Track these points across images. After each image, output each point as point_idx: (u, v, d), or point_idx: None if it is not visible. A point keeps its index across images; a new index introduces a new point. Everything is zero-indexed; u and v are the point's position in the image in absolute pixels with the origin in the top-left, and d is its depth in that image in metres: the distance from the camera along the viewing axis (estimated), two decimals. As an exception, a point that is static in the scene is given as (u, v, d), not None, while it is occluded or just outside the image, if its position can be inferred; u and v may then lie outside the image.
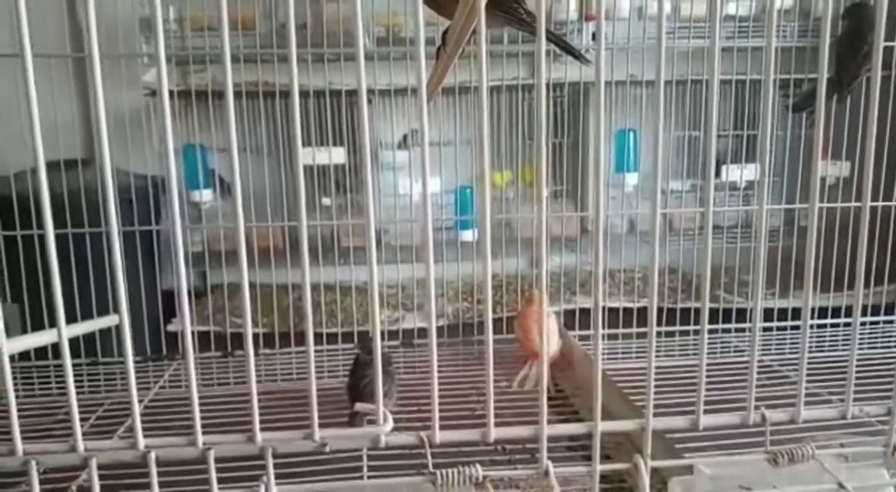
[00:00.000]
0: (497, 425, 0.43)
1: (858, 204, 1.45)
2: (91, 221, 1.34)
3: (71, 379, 0.38)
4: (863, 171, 0.44)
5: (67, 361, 0.38)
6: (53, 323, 1.28)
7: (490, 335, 0.42)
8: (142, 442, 0.41)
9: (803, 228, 1.51)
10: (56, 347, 1.29)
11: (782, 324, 1.47)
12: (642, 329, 1.49)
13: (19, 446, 0.39)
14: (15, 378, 1.28)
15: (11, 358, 1.21)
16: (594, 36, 1.50)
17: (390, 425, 0.42)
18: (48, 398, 1.26)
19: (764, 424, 0.42)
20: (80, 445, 0.39)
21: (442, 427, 0.43)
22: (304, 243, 0.40)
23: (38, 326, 1.24)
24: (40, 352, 1.31)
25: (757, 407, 0.43)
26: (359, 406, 0.84)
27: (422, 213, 1.46)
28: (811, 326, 1.42)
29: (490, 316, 0.43)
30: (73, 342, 1.29)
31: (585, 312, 1.56)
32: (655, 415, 0.43)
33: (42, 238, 1.40)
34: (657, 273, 0.42)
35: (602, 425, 0.41)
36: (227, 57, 0.36)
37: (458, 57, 0.78)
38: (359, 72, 0.39)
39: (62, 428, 1.10)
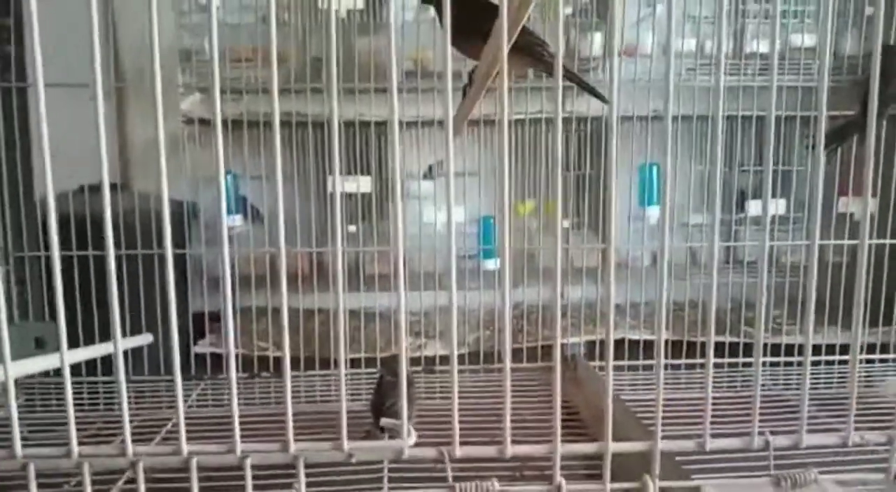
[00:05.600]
0: (514, 442, 0.46)
1: (882, 241, 1.45)
2: (127, 243, 1.40)
3: (124, 392, 0.42)
4: (866, 210, 0.46)
5: (121, 375, 0.42)
6: (88, 340, 1.32)
7: (508, 341, 0.45)
8: (185, 448, 0.44)
9: (826, 264, 1.52)
10: (88, 364, 1.34)
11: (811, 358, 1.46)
12: (666, 361, 1.50)
13: (75, 448, 0.42)
14: (49, 393, 1.34)
15: (45, 374, 1.25)
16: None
17: (413, 439, 0.45)
18: (80, 413, 1.30)
19: (768, 449, 0.45)
20: (129, 449, 0.43)
21: (461, 444, 0.46)
22: (340, 271, 0.43)
23: (73, 344, 1.28)
24: (73, 368, 1.35)
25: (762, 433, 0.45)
26: (384, 421, 0.88)
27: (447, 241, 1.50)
28: (832, 362, 1.43)
29: (509, 327, 0.46)
30: (105, 359, 1.33)
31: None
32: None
33: (80, 259, 1.44)
34: (664, 303, 0.45)
35: (613, 446, 0.43)
36: (275, 111, 0.40)
37: (484, 94, 0.82)
38: (390, 103, 0.42)
39: (96, 442, 1.14)
